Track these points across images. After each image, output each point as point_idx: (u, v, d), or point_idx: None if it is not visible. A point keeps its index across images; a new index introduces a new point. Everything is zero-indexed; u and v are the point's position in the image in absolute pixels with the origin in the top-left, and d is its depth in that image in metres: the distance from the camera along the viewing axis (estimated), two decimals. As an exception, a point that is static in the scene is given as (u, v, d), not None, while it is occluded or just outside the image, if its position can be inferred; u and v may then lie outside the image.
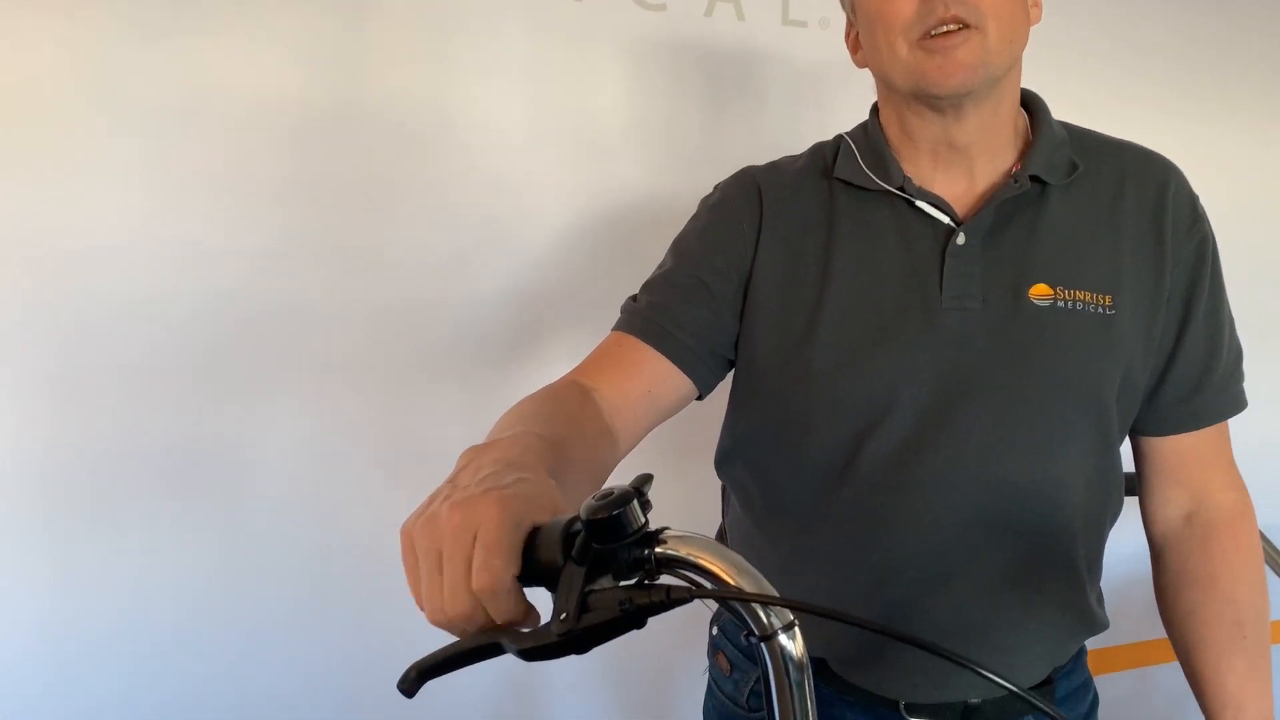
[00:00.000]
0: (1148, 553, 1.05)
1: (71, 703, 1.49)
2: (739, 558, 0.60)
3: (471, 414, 1.66)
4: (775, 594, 0.61)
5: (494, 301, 1.68)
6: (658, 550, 0.60)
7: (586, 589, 0.59)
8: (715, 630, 1.12)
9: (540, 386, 0.89)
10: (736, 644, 1.07)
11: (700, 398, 1.00)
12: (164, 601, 1.53)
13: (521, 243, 1.68)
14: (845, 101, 1.79)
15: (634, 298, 1.01)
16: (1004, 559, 0.94)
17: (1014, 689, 0.58)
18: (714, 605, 1.17)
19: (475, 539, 0.57)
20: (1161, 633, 1.02)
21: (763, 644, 0.62)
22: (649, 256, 1.68)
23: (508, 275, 1.68)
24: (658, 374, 0.95)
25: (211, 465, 1.54)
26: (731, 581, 0.60)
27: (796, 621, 0.62)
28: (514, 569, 0.58)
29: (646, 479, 0.62)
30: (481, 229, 1.66)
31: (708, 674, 1.14)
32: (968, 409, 0.93)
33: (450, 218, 1.64)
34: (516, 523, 0.58)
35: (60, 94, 1.42)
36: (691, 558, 0.61)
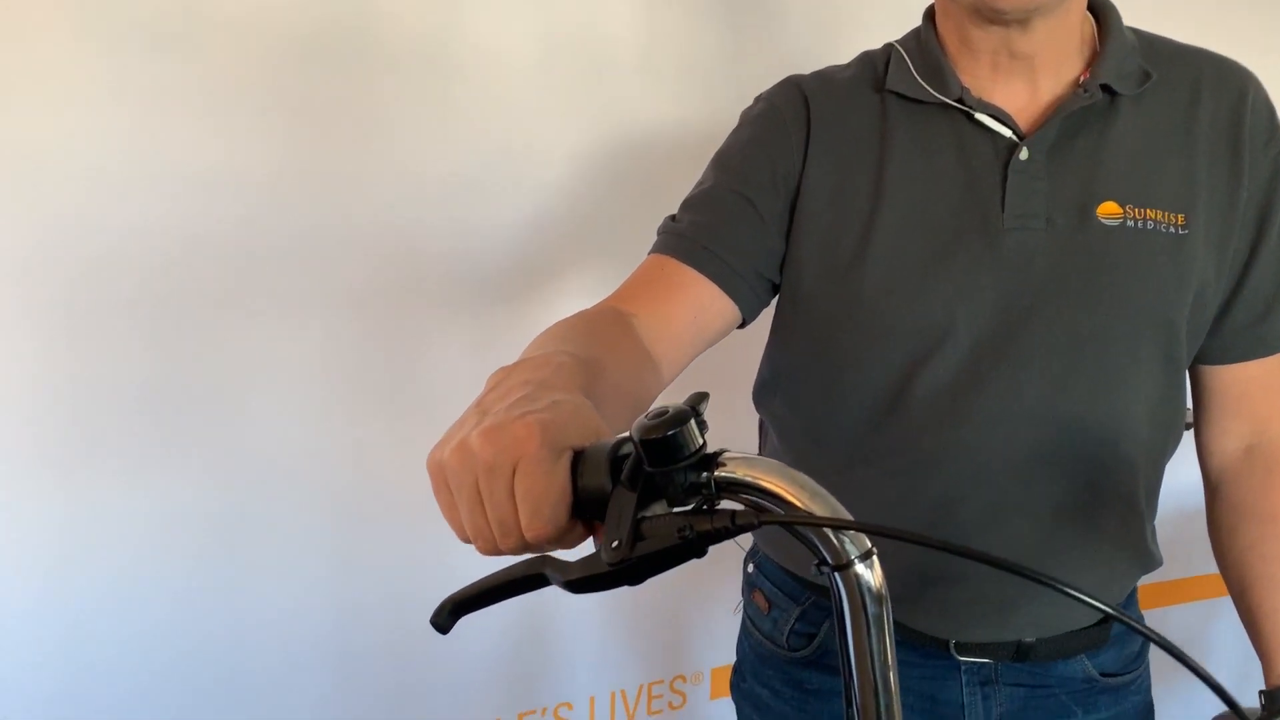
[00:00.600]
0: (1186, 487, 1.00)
1: (82, 653, 1.45)
2: (809, 480, 0.56)
3: (482, 350, 1.60)
4: (850, 518, 0.57)
5: (503, 233, 1.60)
6: (717, 473, 0.56)
7: (639, 515, 0.55)
8: (751, 567, 1.08)
9: (553, 322, 0.83)
10: (775, 580, 1.03)
11: (743, 325, 0.95)
12: (167, 546, 1.47)
13: (530, 171, 1.61)
14: (871, 17, 1.72)
15: (673, 217, 0.94)
16: (1062, 495, 0.90)
17: (1125, 618, 0.53)
18: (747, 541, 1.13)
19: (514, 470, 0.53)
20: (1201, 569, 0.98)
21: (836, 574, 0.57)
22: (664, 185, 1.60)
23: (516, 206, 1.60)
24: (702, 299, 0.89)
25: (209, 402, 1.47)
26: (801, 505, 0.55)
27: (875, 549, 0.57)
28: (567, 505, 0.54)
29: (702, 397, 0.58)
30: (488, 156, 1.57)
31: (741, 612, 1.10)
32: (1029, 337, 0.88)
33: (455, 144, 1.56)
34: (557, 450, 0.53)
35: (45, 14, 1.32)
36: (755, 481, 0.56)
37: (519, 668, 1.78)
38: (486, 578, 0.61)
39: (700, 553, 0.55)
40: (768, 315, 1.00)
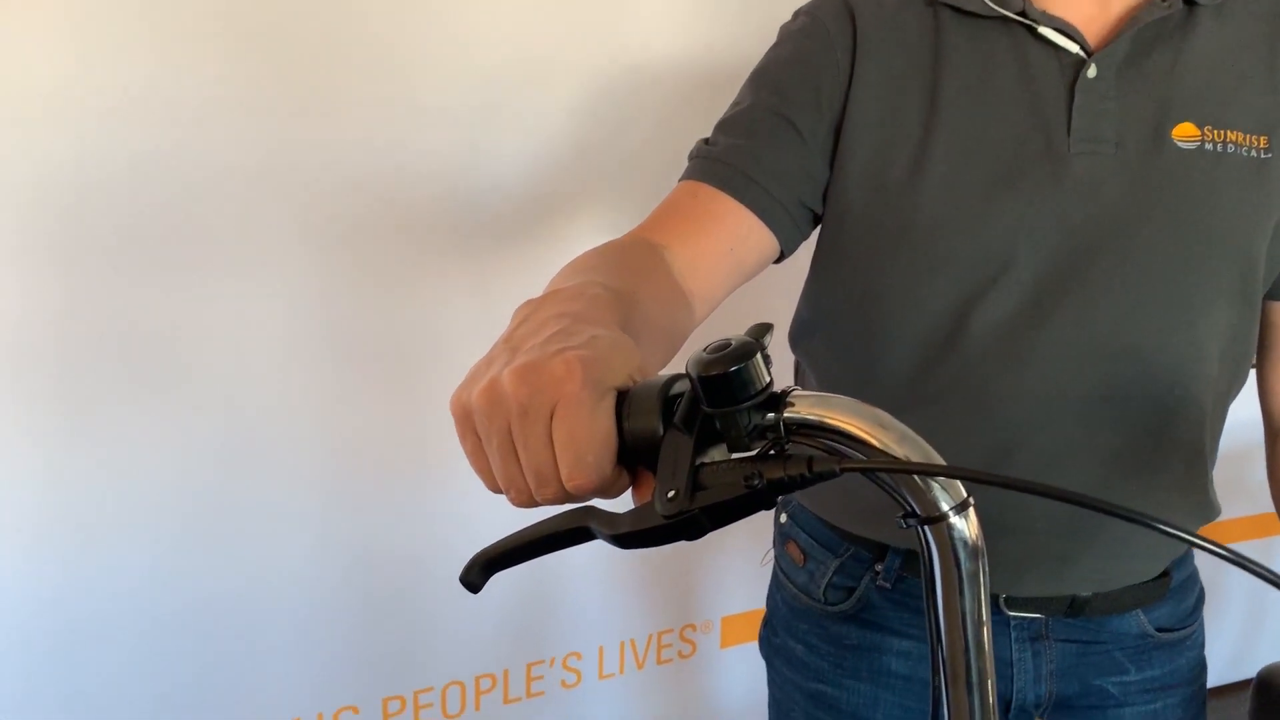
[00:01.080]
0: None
1: (79, 606, 1.39)
2: (894, 420, 0.49)
3: (481, 293, 1.51)
4: (943, 463, 0.50)
5: (504, 164, 1.49)
6: (786, 413, 0.50)
7: (698, 462, 0.49)
8: (784, 517, 1.02)
9: (564, 263, 0.75)
10: (811, 531, 0.97)
11: (781, 259, 0.88)
12: (142, 501, 1.40)
13: (534, 95, 1.49)
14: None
15: (706, 140, 0.87)
16: (1125, 439, 0.85)
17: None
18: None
19: (553, 413, 0.47)
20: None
21: (926, 528, 0.51)
22: (684, 112, 1.53)
23: (520, 133, 1.49)
24: (739, 229, 0.82)
25: (190, 351, 1.38)
26: (886, 449, 0.49)
27: (973, 499, 0.51)
28: (612, 450, 0.48)
29: (766, 328, 0.51)
30: (487, 78, 1.43)
31: (772, 565, 1.05)
32: (1097, 268, 0.81)
33: (448, 64, 1.40)
34: (600, 390, 0.47)
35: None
36: (831, 422, 0.50)
37: (526, 618, 1.74)
38: (521, 532, 0.55)
39: (769, 503, 0.49)
40: (804, 251, 0.92)
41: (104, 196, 1.29)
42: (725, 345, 0.48)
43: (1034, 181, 0.81)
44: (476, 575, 0.55)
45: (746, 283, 0.86)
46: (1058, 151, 0.81)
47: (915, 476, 0.51)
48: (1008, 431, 0.84)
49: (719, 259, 0.81)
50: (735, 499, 0.48)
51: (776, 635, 1.01)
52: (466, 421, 0.50)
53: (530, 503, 0.50)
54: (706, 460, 0.50)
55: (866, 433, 0.49)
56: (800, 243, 0.88)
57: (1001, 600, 0.89)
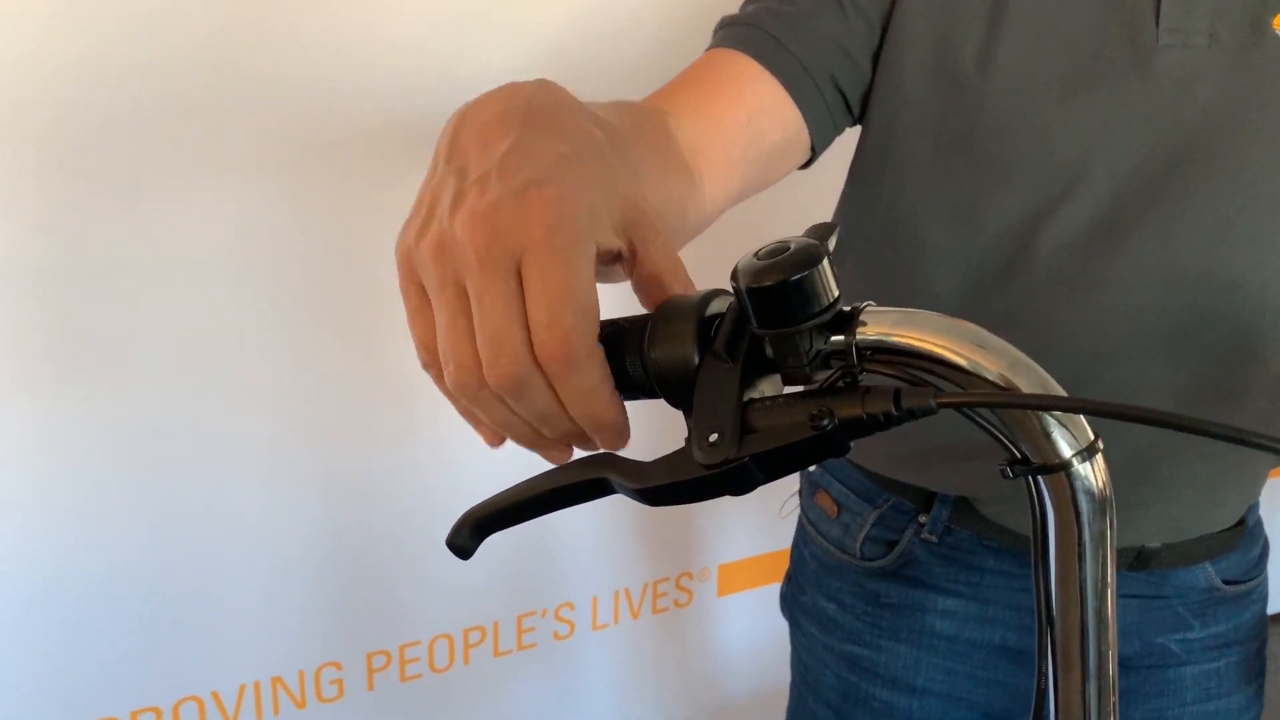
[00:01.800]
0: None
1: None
2: (1000, 340, 0.40)
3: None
4: (1065, 394, 0.41)
5: (486, 85, 1.36)
6: (859, 335, 0.40)
7: (747, 397, 0.40)
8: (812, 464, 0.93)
9: None
10: (845, 479, 0.88)
11: (808, 162, 0.77)
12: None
13: (516, 11, 1.36)
14: None
15: (731, 15, 0.75)
16: (1207, 373, 0.76)
17: None
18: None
19: (519, 266, 0.37)
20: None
21: (1041, 479, 0.42)
22: (677, 35, 1.40)
23: (501, 54, 1.36)
24: (761, 99, 0.70)
25: (128, 287, 1.24)
26: (988, 377, 0.40)
27: (1100, 443, 0.42)
28: (593, 318, 0.38)
29: (829, 228, 0.42)
30: None
31: (799, 516, 0.95)
32: (1184, 180, 0.71)
33: None
34: (577, 233, 0.38)
35: None
36: (918, 344, 0.40)
37: (516, 568, 1.65)
38: (522, 485, 0.44)
39: (843, 449, 0.39)
40: (831, 172, 0.81)
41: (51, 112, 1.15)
42: (782, 248, 0.38)
43: (1115, 79, 0.71)
44: (467, 537, 0.45)
45: (767, 188, 0.74)
46: (1143, 44, 0.70)
47: (1033, 414, 0.41)
48: (1075, 367, 0.74)
49: (734, 131, 0.68)
50: (798, 444, 0.38)
51: (804, 593, 0.92)
52: (409, 270, 0.40)
53: (473, 387, 0.38)
54: (756, 396, 0.40)
55: (964, 357, 0.39)
56: (830, 139, 0.76)
57: (1060, 553, 0.80)
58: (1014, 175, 0.73)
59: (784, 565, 1.05)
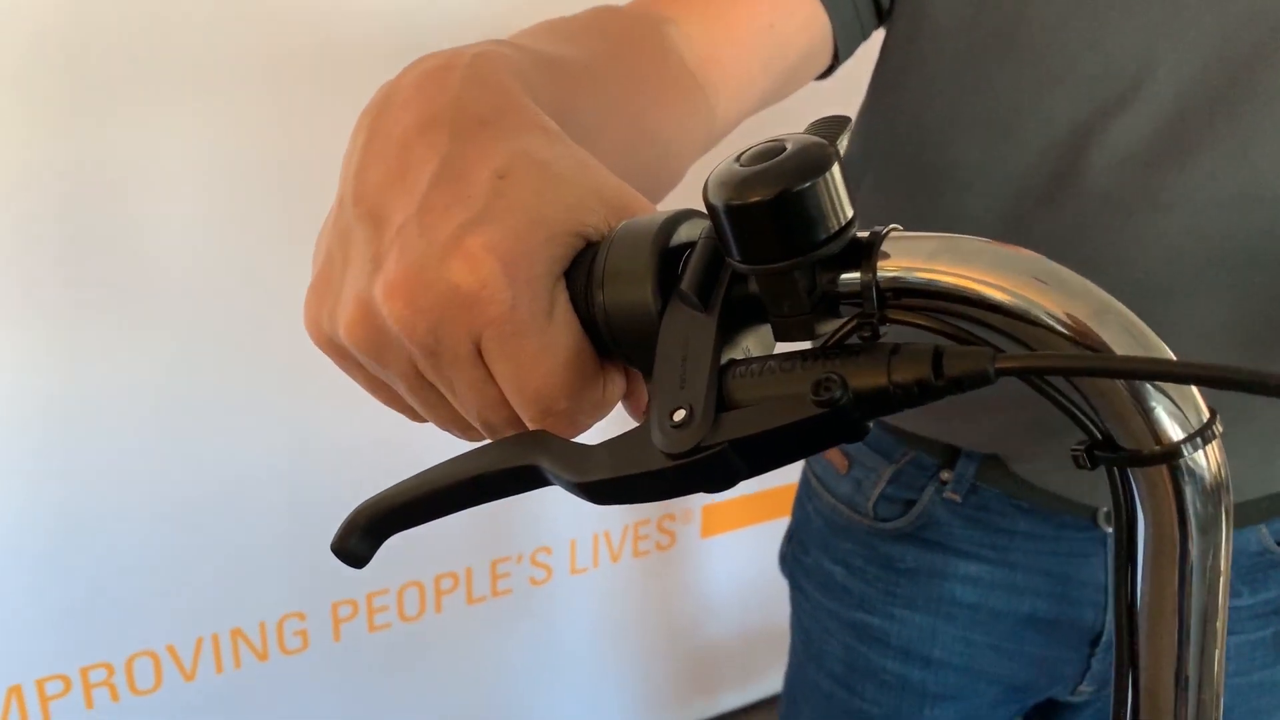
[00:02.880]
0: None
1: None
2: (1089, 284, 0.30)
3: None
4: (1172, 355, 0.30)
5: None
6: (881, 271, 0.29)
7: (725, 359, 0.30)
8: (819, 412, 0.83)
9: None
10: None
11: (829, 69, 0.65)
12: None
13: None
14: None
15: None
16: (1273, 307, 0.66)
17: None
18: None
19: (479, 347, 0.31)
20: None
21: (1138, 470, 0.31)
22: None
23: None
24: (784, 1, 0.59)
25: (125, 207, 1.14)
26: (1066, 332, 0.29)
27: (1218, 425, 0.30)
28: (591, 366, 0.32)
29: (841, 123, 0.30)
30: None
31: (802, 468, 0.86)
32: (1260, 86, 0.61)
33: None
34: (541, 288, 0.30)
35: None
36: (970, 287, 0.29)
37: (489, 511, 1.54)
38: (428, 473, 0.33)
39: (859, 431, 0.29)
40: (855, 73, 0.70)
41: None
42: (776, 149, 0.28)
43: None
44: (357, 542, 0.34)
45: (785, 92, 0.63)
46: None
47: (1128, 388, 0.30)
48: (1131, 300, 0.64)
49: (751, 34, 0.57)
50: (796, 424, 0.28)
51: (807, 553, 0.83)
52: (341, 354, 0.34)
53: (483, 435, 0.34)
54: (739, 357, 0.30)
55: (1030, 301, 0.29)
56: (858, 42, 0.65)
57: (1100, 515, 0.71)
58: (1063, 81, 0.62)
59: (771, 505, 0.96)
